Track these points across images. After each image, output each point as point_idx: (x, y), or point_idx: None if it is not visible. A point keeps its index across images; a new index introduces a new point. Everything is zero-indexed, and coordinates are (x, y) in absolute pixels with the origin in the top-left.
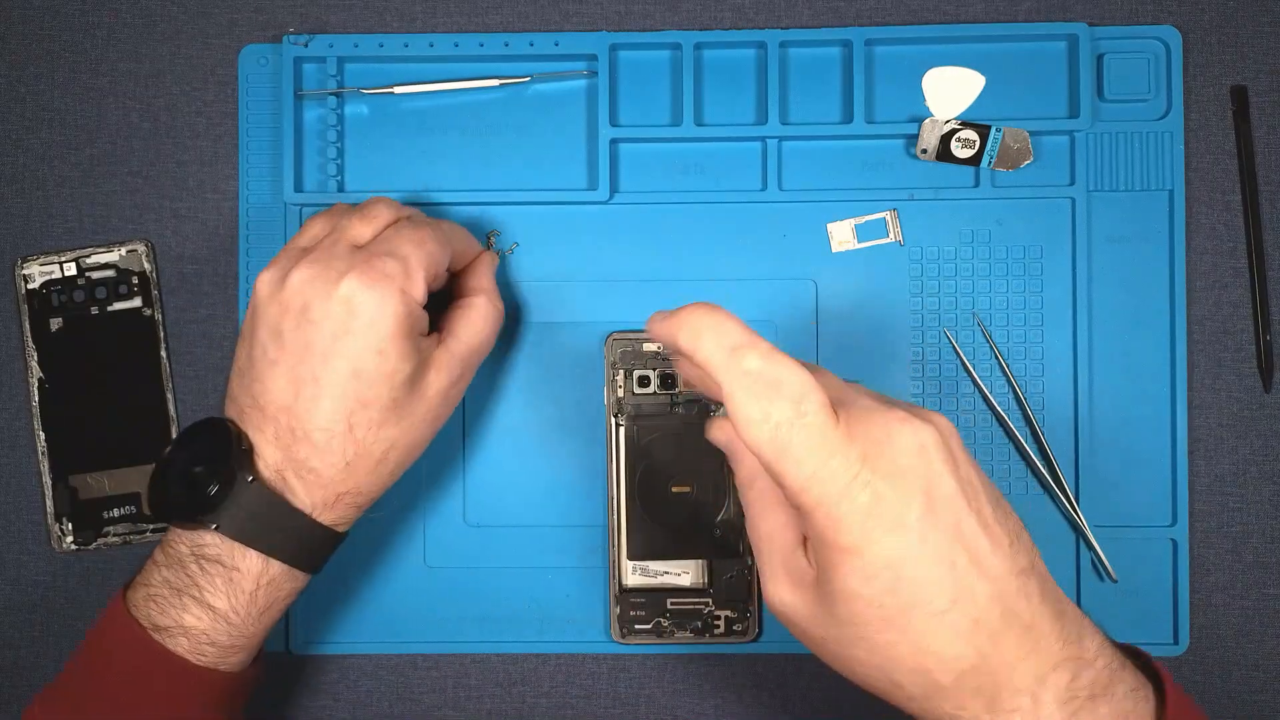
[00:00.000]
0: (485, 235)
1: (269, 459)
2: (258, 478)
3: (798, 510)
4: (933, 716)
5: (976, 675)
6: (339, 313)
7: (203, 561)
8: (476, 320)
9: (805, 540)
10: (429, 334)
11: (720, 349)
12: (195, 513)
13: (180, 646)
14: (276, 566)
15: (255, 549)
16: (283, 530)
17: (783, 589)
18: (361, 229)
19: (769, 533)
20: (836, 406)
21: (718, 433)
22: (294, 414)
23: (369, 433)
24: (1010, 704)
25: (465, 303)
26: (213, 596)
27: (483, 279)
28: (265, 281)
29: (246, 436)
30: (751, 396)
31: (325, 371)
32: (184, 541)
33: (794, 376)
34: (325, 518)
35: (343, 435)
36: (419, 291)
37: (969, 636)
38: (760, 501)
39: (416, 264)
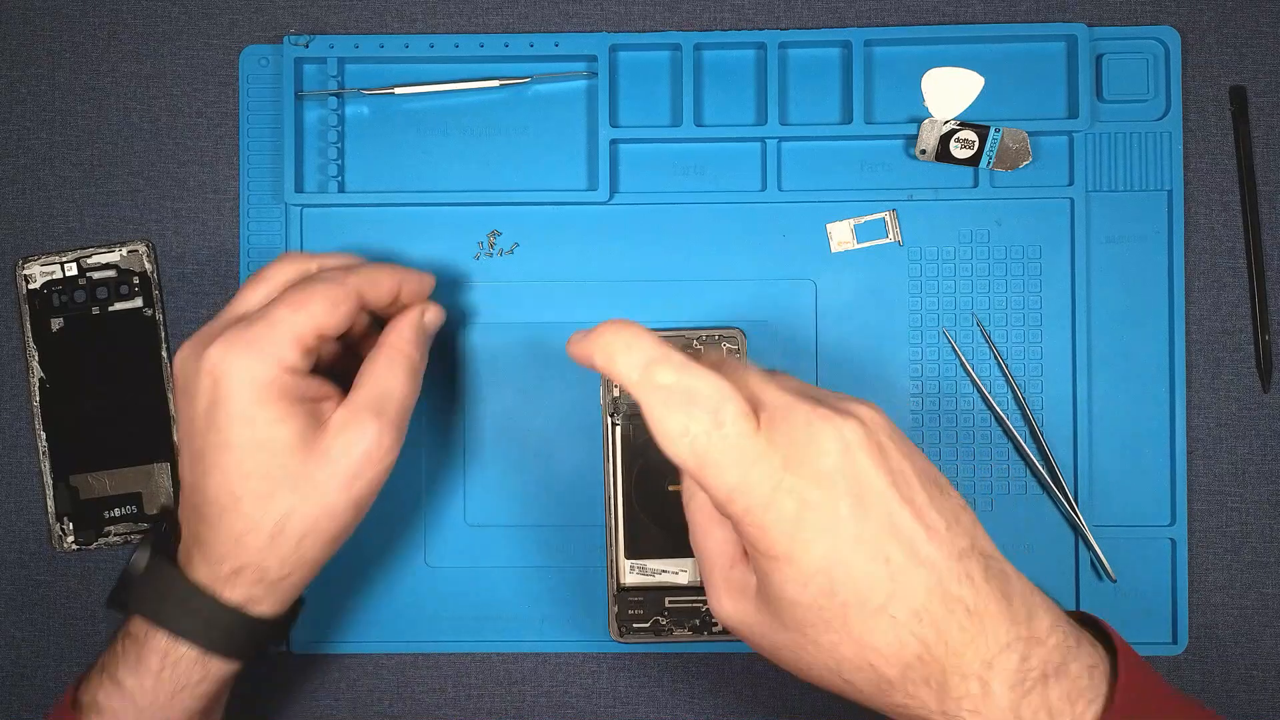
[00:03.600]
0: (486, 236)
1: (184, 538)
2: (166, 556)
3: (728, 520)
4: (888, 708)
5: (923, 665)
6: (207, 385)
7: (125, 640)
8: (378, 366)
9: (745, 553)
10: (337, 395)
11: (633, 366)
12: (119, 594)
13: None
14: (183, 647)
15: (160, 626)
16: (184, 607)
17: (725, 601)
18: (251, 295)
19: (710, 548)
20: (757, 409)
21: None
22: (194, 490)
23: (255, 505)
24: (959, 690)
25: (371, 352)
26: (124, 674)
27: (394, 330)
28: (174, 365)
29: (175, 518)
30: (668, 410)
31: (206, 445)
32: (121, 625)
33: (708, 386)
34: (230, 595)
35: (230, 509)
36: (287, 356)
37: (911, 627)
38: (700, 515)
39: (286, 327)
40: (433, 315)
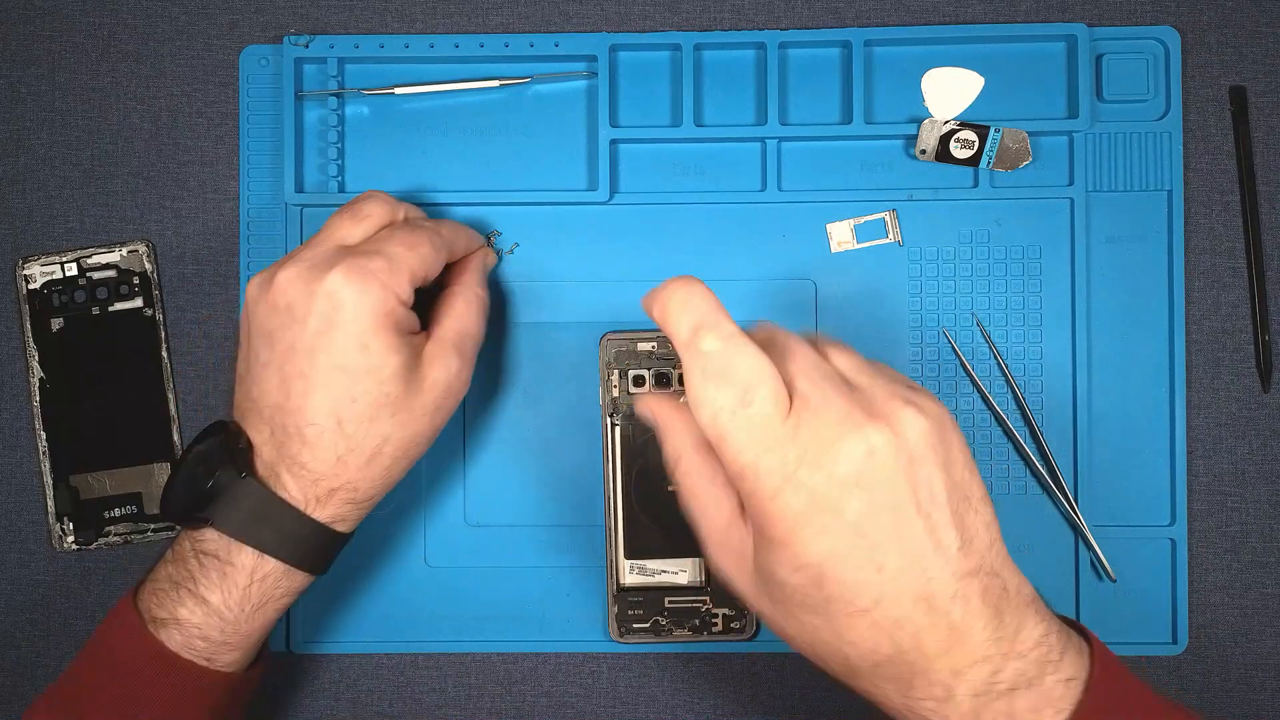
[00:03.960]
0: (486, 235)
1: (265, 457)
2: (251, 474)
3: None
4: (853, 689)
5: (893, 665)
6: (322, 308)
7: (201, 556)
8: (459, 306)
9: (742, 511)
10: (420, 331)
11: (684, 326)
12: (191, 510)
13: (173, 640)
14: (270, 563)
15: (248, 544)
16: (275, 526)
17: (724, 558)
18: (351, 229)
19: (704, 506)
20: (799, 399)
21: (642, 407)
22: (285, 411)
23: (359, 428)
24: (922, 692)
25: (447, 292)
26: (207, 590)
27: (467, 272)
28: (254, 284)
29: (246, 436)
30: (703, 377)
31: (311, 368)
32: (188, 539)
33: (747, 364)
34: (320, 514)
35: (332, 430)
36: (403, 291)
37: (889, 632)
38: (692, 475)
39: (403, 264)
40: (491, 259)
